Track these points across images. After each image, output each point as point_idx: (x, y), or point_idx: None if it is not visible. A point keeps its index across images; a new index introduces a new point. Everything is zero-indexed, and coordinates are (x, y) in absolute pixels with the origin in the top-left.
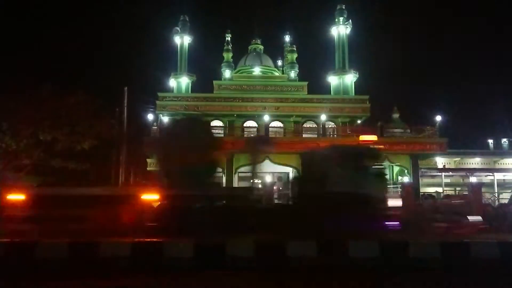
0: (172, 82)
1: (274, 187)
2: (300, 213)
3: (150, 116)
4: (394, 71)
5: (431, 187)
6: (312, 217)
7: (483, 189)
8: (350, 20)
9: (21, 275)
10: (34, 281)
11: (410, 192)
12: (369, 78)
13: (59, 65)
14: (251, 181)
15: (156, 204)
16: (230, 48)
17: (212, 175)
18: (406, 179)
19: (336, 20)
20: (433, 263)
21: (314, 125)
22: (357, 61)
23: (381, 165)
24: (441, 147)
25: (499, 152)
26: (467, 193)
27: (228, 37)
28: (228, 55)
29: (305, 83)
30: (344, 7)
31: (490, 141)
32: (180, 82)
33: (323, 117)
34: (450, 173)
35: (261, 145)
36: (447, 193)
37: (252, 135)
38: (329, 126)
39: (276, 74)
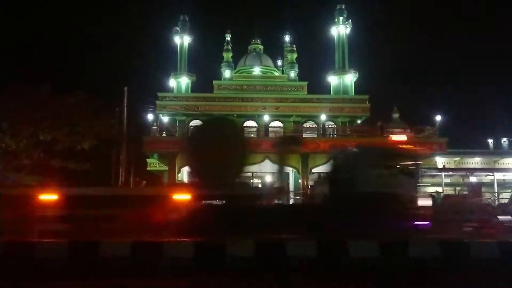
0: (172, 82)
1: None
2: (331, 213)
3: (150, 116)
4: (394, 71)
5: (431, 187)
6: (344, 217)
7: (483, 189)
8: (350, 20)
9: (21, 275)
10: (34, 281)
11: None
12: (369, 78)
13: (59, 65)
14: (277, 181)
15: (187, 204)
16: (230, 48)
17: (241, 175)
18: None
19: (336, 20)
20: (433, 263)
21: (314, 125)
22: (357, 61)
23: (412, 164)
24: (441, 147)
25: (499, 152)
26: (467, 192)
27: (228, 37)
28: (228, 55)
29: (305, 83)
30: (344, 7)
31: (490, 141)
32: (180, 82)
33: (323, 117)
34: (450, 173)
35: (291, 145)
36: (447, 193)
37: (281, 135)
38: (329, 126)
39: (276, 74)
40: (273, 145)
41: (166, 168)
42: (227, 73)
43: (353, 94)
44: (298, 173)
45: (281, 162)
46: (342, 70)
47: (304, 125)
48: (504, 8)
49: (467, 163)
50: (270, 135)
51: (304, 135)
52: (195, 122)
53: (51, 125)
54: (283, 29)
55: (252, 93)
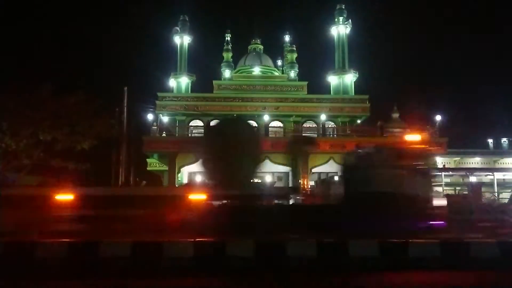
0: (172, 82)
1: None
2: (348, 213)
3: (150, 116)
4: (394, 71)
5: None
6: (361, 217)
7: (483, 189)
8: (350, 20)
9: (21, 275)
10: (34, 281)
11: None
12: (369, 78)
13: (59, 65)
14: (294, 180)
15: (203, 204)
16: (230, 48)
17: (255, 175)
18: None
19: (336, 19)
20: (433, 262)
21: (314, 125)
22: (357, 61)
23: (428, 164)
24: (441, 146)
25: (499, 151)
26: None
27: (228, 37)
28: (228, 55)
29: (305, 83)
30: (343, 7)
31: (490, 140)
32: (180, 82)
33: (323, 117)
34: (450, 173)
35: (305, 145)
36: (447, 192)
37: (295, 135)
38: (329, 126)
39: (276, 74)
40: (286, 145)
41: (166, 168)
42: (227, 73)
43: (353, 94)
44: (298, 173)
45: (294, 162)
46: (342, 70)
47: (304, 125)
48: (504, 8)
49: (467, 163)
50: (270, 135)
51: (303, 135)
52: (195, 122)
53: (51, 125)
54: (283, 29)
55: (252, 93)
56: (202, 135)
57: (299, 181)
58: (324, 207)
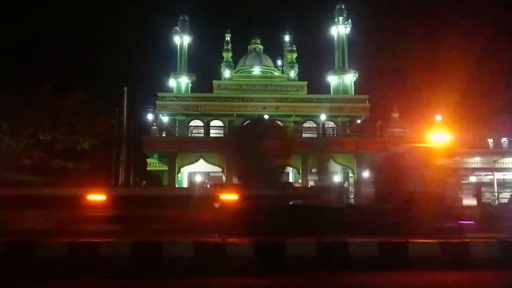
0: (172, 82)
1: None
2: (379, 213)
3: (150, 116)
4: (394, 71)
5: None
6: (392, 217)
7: (482, 189)
8: (350, 20)
9: (21, 275)
10: (34, 281)
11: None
12: (369, 78)
13: (59, 65)
14: (323, 180)
15: (235, 204)
16: (230, 48)
17: (284, 174)
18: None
19: (336, 19)
20: (433, 262)
21: (314, 125)
22: (356, 61)
23: (456, 164)
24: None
25: (499, 151)
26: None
27: (228, 37)
28: (227, 55)
29: (305, 82)
30: (343, 7)
31: (490, 140)
32: (180, 82)
33: (322, 117)
34: None
35: (328, 146)
36: None
37: (315, 137)
38: (329, 126)
39: (276, 74)
40: (311, 146)
41: (166, 168)
42: (227, 73)
43: (353, 93)
44: (298, 173)
45: (322, 162)
46: (342, 70)
47: (304, 125)
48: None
49: (467, 163)
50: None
51: (304, 135)
52: (195, 122)
53: (51, 125)
54: (283, 29)
55: (252, 93)
56: (230, 135)
57: (330, 181)
58: (351, 208)
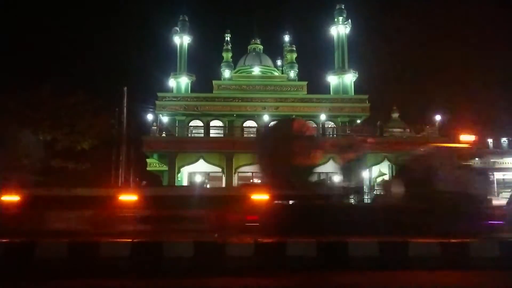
0: (172, 82)
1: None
2: (409, 213)
3: (149, 116)
4: (394, 71)
5: None
6: (421, 217)
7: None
8: (350, 20)
9: (21, 275)
10: (34, 281)
11: None
12: (368, 78)
13: (59, 65)
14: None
15: (266, 204)
16: (230, 48)
17: (313, 174)
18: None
19: (336, 19)
20: (433, 262)
21: (314, 125)
22: (356, 61)
23: (486, 164)
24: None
25: (499, 151)
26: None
27: (228, 37)
28: (227, 55)
29: (305, 83)
30: (343, 7)
31: (490, 140)
32: (180, 82)
33: (322, 117)
34: None
35: (356, 147)
36: None
37: (343, 138)
38: (329, 126)
39: (276, 74)
40: (337, 146)
41: (165, 168)
42: (226, 73)
43: (353, 94)
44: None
45: (350, 162)
46: (341, 70)
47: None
48: (505, 7)
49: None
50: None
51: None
52: (195, 122)
53: (51, 125)
54: (283, 29)
55: (251, 93)
56: (258, 135)
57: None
58: (386, 207)
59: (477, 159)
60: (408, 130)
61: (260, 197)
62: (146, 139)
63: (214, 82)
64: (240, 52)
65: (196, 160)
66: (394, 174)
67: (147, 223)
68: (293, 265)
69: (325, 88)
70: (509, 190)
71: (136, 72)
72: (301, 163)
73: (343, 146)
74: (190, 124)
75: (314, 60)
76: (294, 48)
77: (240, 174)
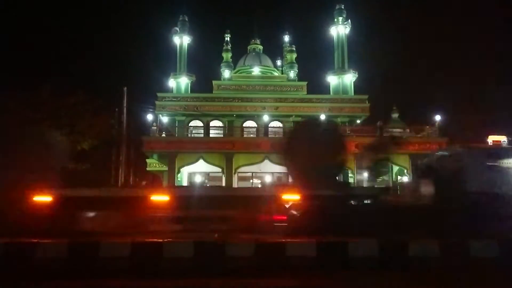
0: (172, 82)
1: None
2: (440, 213)
3: (149, 116)
4: (394, 71)
5: None
6: (453, 217)
7: None
8: (349, 20)
9: (21, 275)
10: (34, 281)
11: None
12: (368, 78)
13: (59, 65)
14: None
15: (297, 205)
16: (229, 48)
17: (340, 174)
18: (405, 178)
19: (335, 20)
20: (433, 262)
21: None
22: (356, 61)
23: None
24: (441, 146)
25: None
26: None
27: (228, 37)
28: (227, 55)
29: (305, 83)
30: (343, 7)
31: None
32: (180, 82)
33: (322, 117)
34: None
35: (393, 145)
36: None
37: (381, 136)
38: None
39: (276, 74)
40: (371, 147)
41: (165, 168)
42: (226, 73)
43: (353, 94)
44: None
45: (376, 162)
46: (341, 70)
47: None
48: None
49: None
50: (269, 135)
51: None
52: (195, 122)
53: (51, 125)
54: (283, 29)
55: (251, 93)
56: (288, 135)
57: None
58: (411, 208)
59: (507, 159)
60: (408, 130)
61: (291, 197)
62: (146, 139)
63: (214, 82)
64: (240, 52)
65: (196, 160)
66: (418, 174)
67: (178, 223)
68: (293, 265)
69: (325, 88)
70: None
71: (136, 72)
72: (331, 163)
73: (370, 146)
74: (190, 124)
75: (314, 60)
76: (294, 48)
77: (240, 174)
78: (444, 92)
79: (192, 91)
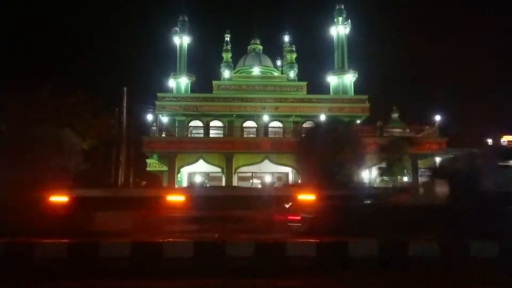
0: (172, 82)
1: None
2: (457, 212)
3: (149, 116)
4: (394, 71)
5: None
6: (471, 216)
7: None
8: (349, 20)
9: (21, 275)
10: (34, 281)
11: None
12: (368, 78)
13: (59, 65)
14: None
15: (312, 205)
16: (229, 48)
17: (352, 175)
18: (405, 179)
19: (335, 20)
20: (433, 262)
21: (314, 125)
22: (356, 61)
23: None
24: (441, 146)
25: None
26: None
27: (227, 37)
28: (227, 55)
29: (305, 83)
30: (343, 7)
31: (489, 140)
32: (180, 82)
33: (322, 117)
34: None
35: (406, 145)
36: None
37: (393, 136)
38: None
39: (276, 74)
40: (383, 146)
41: (165, 168)
42: (226, 73)
43: (353, 94)
44: (298, 173)
45: (391, 162)
46: (341, 70)
47: (304, 125)
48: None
49: None
50: (269, 135)
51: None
52: (195, 122)
53: (51, 125)
54: (283, 29)
55: (251, 93)
56: (302, 136)
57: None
58: (432, 207)
59: None
60: (408, 130)
61: (307, 197)
62: (146, 139)
63: (214, 82)
64: (240, 52)
65: (196, 160)
66: (432, 174)
67: (194, 223)
68: (293, 265)
69: (325, 88)
70: None
71: (136, 72)
72: (344, 163)
73: (384, 146)
74: (189, 124)
75: (314, 60)
76: (294, 48)
77: (239, 175)
78: (444, 92)
79: (192, 91)
